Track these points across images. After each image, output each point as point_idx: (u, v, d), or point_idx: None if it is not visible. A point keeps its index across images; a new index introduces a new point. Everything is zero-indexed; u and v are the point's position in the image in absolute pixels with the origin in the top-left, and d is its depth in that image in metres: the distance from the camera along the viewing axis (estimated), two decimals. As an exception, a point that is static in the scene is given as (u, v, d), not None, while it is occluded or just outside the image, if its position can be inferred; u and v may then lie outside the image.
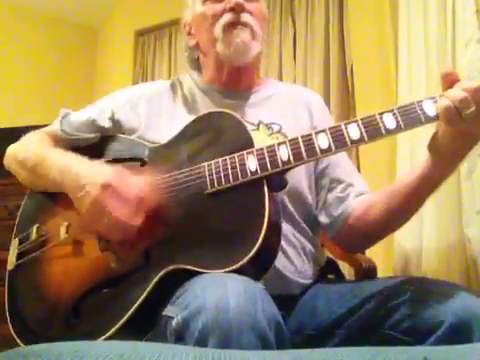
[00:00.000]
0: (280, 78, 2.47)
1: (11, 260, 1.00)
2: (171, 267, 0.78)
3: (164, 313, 0.73)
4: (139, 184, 0.86)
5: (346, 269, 1.51)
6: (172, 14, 2.96)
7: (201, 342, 0.60)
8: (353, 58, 2.33)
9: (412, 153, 1.85)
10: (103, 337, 0.79)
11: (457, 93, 0.71)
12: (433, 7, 1.94)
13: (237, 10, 1.03)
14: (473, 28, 1.80)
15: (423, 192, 0.87)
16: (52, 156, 0.99)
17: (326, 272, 1.07)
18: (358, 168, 2.15)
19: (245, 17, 1.03)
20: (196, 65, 1.17)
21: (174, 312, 0.68)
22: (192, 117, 0.96)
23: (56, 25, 3.45)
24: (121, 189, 0.84)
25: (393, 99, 2.05)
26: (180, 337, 0.64)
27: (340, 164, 1.07)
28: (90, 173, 0.87)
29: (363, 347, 0.56)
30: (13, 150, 1.09)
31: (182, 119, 0.99)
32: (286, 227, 0.96)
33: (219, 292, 0.64)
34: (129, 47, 3.30)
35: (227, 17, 1.03)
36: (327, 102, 1.24)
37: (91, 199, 0.83)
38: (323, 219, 1.03)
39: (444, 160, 0.80)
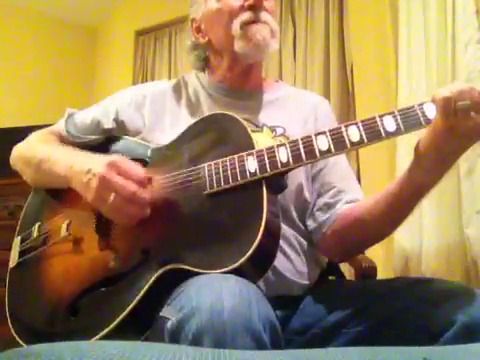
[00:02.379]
0: (280, 78, 2.47)
1: (14, 258, 1.01)
2: (169, 267, 0.78)
3: (161, 314, 0.73)
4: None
5: (346, 269, 1.51)
6: (172, 14, 2.97)
7: (196, 344, 0.60)
8: (353, 58, 2.33)
9: (412, 155, 1.85)
10: (99, 335, 0.79)
11: (456, 85, 0.71)
12: (433, 7, 1.95)
13: (257, 8, 1.01)
14: (473, 28, 1.80)
15: (405, 198, 0.85)
16: (57, 152, 0.99)
17: (327, 273, 1.07)
18: (358, 170, 2.15)
19: (264, 15, 1.02)
20: (203, 65, 1.15)
21: (169, 314, 0.68)
22: (196, 118, 0.95)
23: (56, 25, 3.45)
24: (126, 166, 0.84)
25: (393, 99, 2.06)
26: (175, 339, 0.64)
27: (335, 168, 1.05)
28: (94, 159, 0.89)
29: (363, 347, 0.56)
30: (19, 149, 1.11)
31: (186, 120, 0.99)
32: (286, 228, 0.96)
33: (214, 294, 0.64)
34: (129, 47, 3.30)
35: (246, 15, 1.01)
36: (328, 102, 1.23)
37: (97, 178, 0.83)
38: (309, 223, 1.02)
39: (427, 161, 0.78)
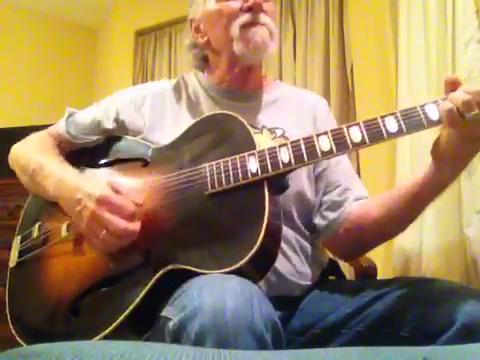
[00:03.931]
0: (280, 78, 2.47)
1: (13, 257, 1.01)
2: (170, 267, 0.78)
3: (162, 314, 0.73)
4: (135, 191, 0.88)
5: (346, 269, 1.51)
6: (172, 14, 2.97)
7: (198, 344, 0.60)
8: (353, 58, 2.33)
9: (412, 156, 1.85)
10: (100, 336, 0.79)
11: (460, 95, 0.70)
12: (433, 7, 1.94)
13: (256, 10, 1.01)
14: (473, 28, 1.80)
15: (424, 198, 0.86)
16: (49, 165, 0.99)
17: (327, 273, 1.07)
18: (358, 171, 2.15)
19: (263, 18, 1.01)
20: (202, 64, 1.14)
21: (171, 314, 0.68)
22: (196, 119, 0.95)
23: (56, 25, 3.45)
24: (116, 201, 0.84)
25: (393, 99, 2.05)
26: (177, 339, 0.64)
27: (339, 167, 1.06)
28: (85, 187, 0.88)
29: (363, 347, 0.56)
30: (16, 152, 1.10)
31: (186, 120, 0.98)
32: (287, 229, 0.95)
33: (215, 294, 0.64)
34: (129, 47, 3.30)
35: (245, 17, 1.01)
36: (327, 102, 1.23)
37: (88, 213, 0.84)
38: (318, 221, 1.02)
39: (446, 164, 0.79)
